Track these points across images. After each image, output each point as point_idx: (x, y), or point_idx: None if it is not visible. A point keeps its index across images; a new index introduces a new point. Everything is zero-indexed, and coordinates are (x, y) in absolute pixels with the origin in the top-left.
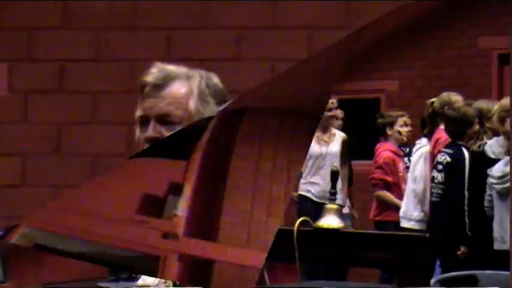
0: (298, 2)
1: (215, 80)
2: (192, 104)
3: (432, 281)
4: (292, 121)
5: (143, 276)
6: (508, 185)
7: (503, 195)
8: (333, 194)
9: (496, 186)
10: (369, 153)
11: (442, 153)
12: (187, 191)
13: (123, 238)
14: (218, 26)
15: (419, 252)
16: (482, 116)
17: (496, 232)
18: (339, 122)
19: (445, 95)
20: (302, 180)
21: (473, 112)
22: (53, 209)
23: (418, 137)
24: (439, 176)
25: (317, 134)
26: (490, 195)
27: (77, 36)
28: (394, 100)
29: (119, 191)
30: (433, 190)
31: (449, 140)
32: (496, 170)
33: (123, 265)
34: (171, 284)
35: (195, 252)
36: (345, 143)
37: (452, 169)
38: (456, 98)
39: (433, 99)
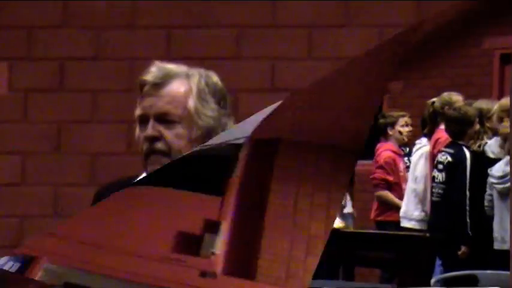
0: (298, 1)
1: (214, 78)
2: (191, 103)
3: (432, 280)
4: (330, 157)
5: None
6: (508, 184)
7: (503, 195)
8: None
9: (497, 186)
10: (369, 153)
11: (443, 153)
12: (225, 228)
13: (160, 277)
14: (218, 25)
15: (420, 252)
16: (483, 116)
17: (496, 232)
18: None
19: (445, 94)
20: None
21: (474, 112)
22: (80, 245)
23: (418, 137)
24: (440, 176)
25: None
26: (490, 195)
27: (76, 35)
28: (396, 100)
29: (152, 228)
30: (433, 190)
31: (449, 139)
32: (497, 169)
33: None
34: None
35: None
36: None
37: (454, 169)
38: (457, 98)
39: (434, 99)
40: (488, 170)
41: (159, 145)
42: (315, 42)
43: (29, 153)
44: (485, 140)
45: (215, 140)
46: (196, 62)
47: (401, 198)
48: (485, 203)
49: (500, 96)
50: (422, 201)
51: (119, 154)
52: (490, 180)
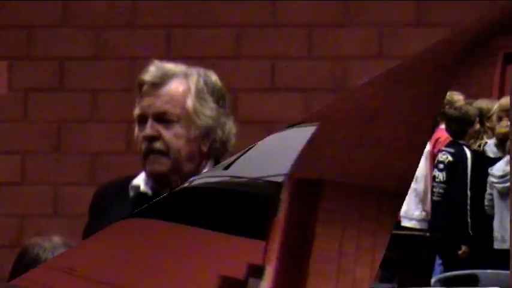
0: (297, 1)
1: (213, 78)
2: (190, 102)
3: (433, 280)
4: (375, 200)
5: None
6: (508, 184)
7: (503, 194)
8: None
9: (497, 185)
10: None
11: (444, 152)
12: (269, 273)
13: None
14: (217, 24)
15: (420, 251)
16: (483, 116)
17: (497, 231)
18: None
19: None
20: None
21: (474, 111)
22: None
23: None
24: (441, 175)
25: None
26: (491, 194)
27: (76, 35)
28: None
29: (193, 272)
30: (434, 189)
31: (450, 139)
32: (497, 169)
33: None
34: None
35: None
36: None
37: (454, 168)
38: (457, 97)
39: None
40: (489, 170)
41: (158, 145)
42: (315, 42)
43: (29, 152)
44: (485, 139)
45: (245, 170)
46: (196, 62)
47: None
48: (486, 203)
49: (500, 96)
50: (422, 200)
51: (119, 153)
52: (491, 179)
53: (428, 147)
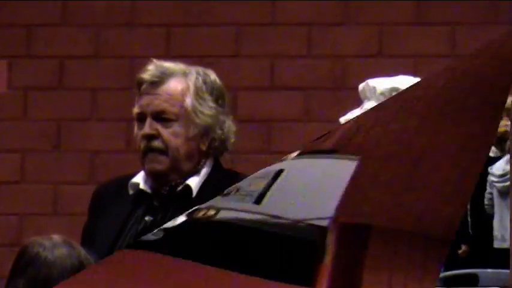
0: (297, 0)
1: (212, 76)
2: (188, 101)
3: None
4: (422, 246)
5: None
6: (508, 183)
7: (503, 193)
8: None
9: (497, 184)
10: None
11: None
12: None
13: None
14: (217, 23)
15: None
16: None
17: (496, 230)
18: None
19: None
20: None
21: None
22: None
23: None
24: None
25: None
26: (491, 193)
27: (76, 33)
28: None
29: None
30: None
31: None
32: (497, 168)
33: None
34: None
35: None
36: None
37: None
38: None
39: None
40: (489, 169)
41: (156, 143)
42: (314, 41)
43: (29, 151)
44: None
45: (284, 209)
46: (195, 60)
47: None
48: (486, 202)
49: None
50: None
51: (118, 152)
52: (490, 178)
53: None
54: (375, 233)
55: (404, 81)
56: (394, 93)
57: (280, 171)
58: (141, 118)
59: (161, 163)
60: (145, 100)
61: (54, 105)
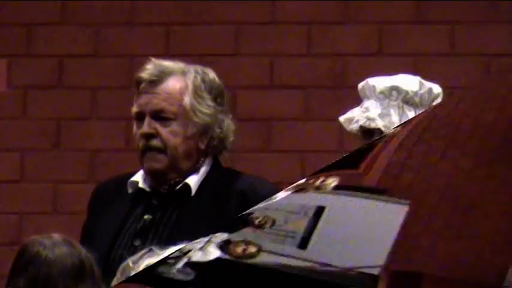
0: None
1: (211, 75)
2: (187, 100)
3: None
4: None
5: None
6: None
7: None
8: None
9: None
10: None
11: None
12: None
13: None
14: (216, 22)
15: None
16: None
17: None
18: None
19: None
20: None
21: None
22: None
23: None
24: None
25: None
26: None
27: (75, 32)
28: None
29: None
30: None
31: None
32: None
33: None
34: None
35: None
36: None
37: None
38: None
39: None
40: None
41: (155, 142)
42: (314, 39)
43: (28, 150)
44: None
45: (332, 256)
46: (195, 59)
47: None
48: None
49: None
50: None
51: (118, 151)
52: None
53: None
54: (427, 282)
55: (404, 80)
56: (393, 92)
57: (320, 210)
58: (140, 117)
59: (160, 162)
60: (144, 99)
61: (54, 104)
